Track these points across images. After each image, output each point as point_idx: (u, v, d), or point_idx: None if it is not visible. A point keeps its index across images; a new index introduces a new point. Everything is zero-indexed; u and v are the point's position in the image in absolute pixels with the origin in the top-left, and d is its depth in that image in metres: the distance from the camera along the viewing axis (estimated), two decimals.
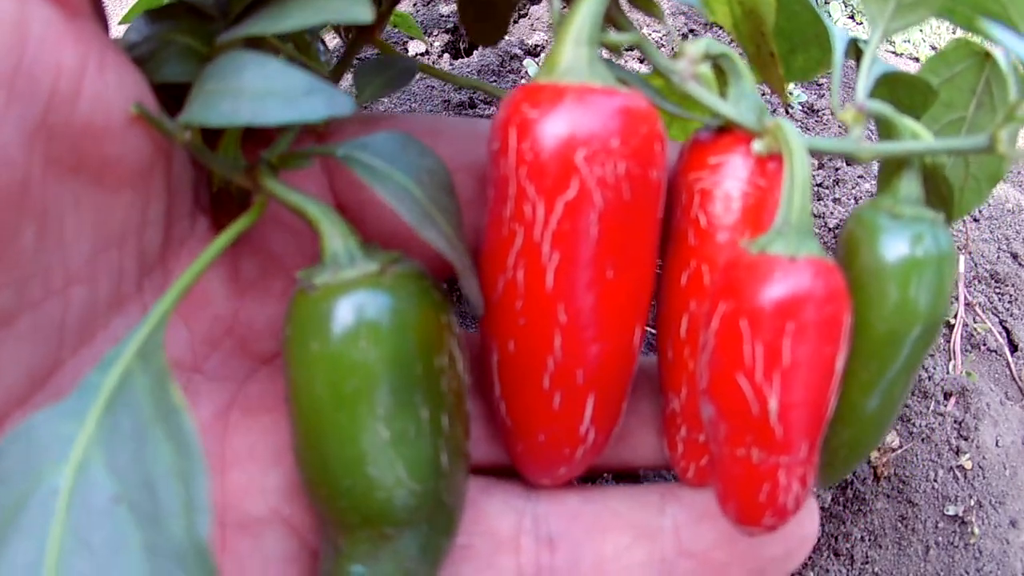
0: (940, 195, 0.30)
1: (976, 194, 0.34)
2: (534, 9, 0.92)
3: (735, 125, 0.29)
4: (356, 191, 0.31)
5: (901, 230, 0.29)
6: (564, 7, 0.28)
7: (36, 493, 0.19)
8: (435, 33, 0.86)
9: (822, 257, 0.26)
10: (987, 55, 0.32)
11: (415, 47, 0.83)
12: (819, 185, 0.82)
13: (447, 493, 0.28)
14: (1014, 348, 0.82)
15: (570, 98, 0.26)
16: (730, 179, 0.29)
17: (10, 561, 0.18)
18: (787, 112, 0.88)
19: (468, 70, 0.80)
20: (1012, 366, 0.79)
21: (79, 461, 0.20)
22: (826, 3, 1.24)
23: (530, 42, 0.85)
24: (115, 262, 0.26)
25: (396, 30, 0.79)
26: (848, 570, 0.64)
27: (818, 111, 0.90)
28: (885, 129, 0.30)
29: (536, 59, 0.83)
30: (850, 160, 0.28)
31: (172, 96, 0.27)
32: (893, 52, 1.31)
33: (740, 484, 0.28)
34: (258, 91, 0.22)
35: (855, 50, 0.31)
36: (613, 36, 0.28)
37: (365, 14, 0.22)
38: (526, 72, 0.81)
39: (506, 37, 0.85)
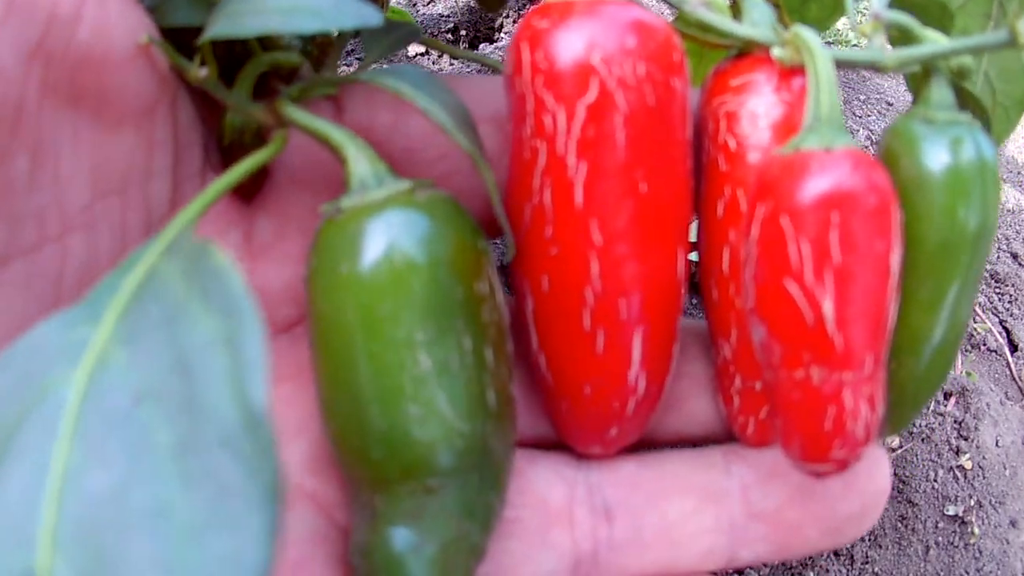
0: (973, 115, 0.29)
1: (1005, 122, 0.33)
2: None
3: (754, 47, 0.29)
4: (371, 136, 0.30)
5: (939, 135, 0.28)
6: None
7: (40, 407, 0.17)
8: (436, 33, 0.90)
9: (859, 149, 0.26)
10: None
11: (415, 47, 0.86)
12: None
13: (495, 437, 0.26)
14: (1014, 348, 0.83)
15: (580, 7, 0.26)
16: (755, 97, 0.29)
17: (4, 491, 0.15)
18: None
19: (468, 70, 0.83)
20: (1012, 366, 0.81)
21: (93, 365, 0.17)
22: None
23: None
24: (117, 212, 0.26)
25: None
26: (848, 570, 0.64)
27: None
28: (906, 41, 0.29)
29: None
30: (875, 69, 0.28)
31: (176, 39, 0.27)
32: None
33: (802, 413, 0.26)
34: (284, 7, 0.23)
35: None
36: None
37: None
38: None
39: (506, 38, 0.88)
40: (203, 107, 0.29)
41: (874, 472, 0.31)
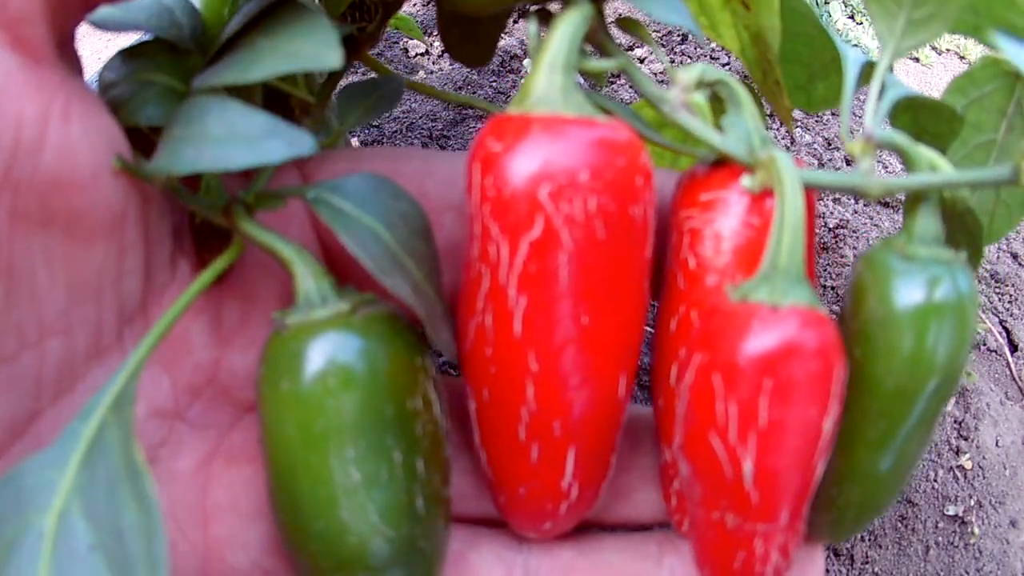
0: (966, 229, 0.28)
1: (1006, 221, 0.32)
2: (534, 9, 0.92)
3: (731, 158, 0.28)
4: None
5: (915, 274, 0.28)
6: (542, 31, 0.28)
7: (25, 535, 0.22)
8: (435, 33, 0.88)
9: (811, 306, 0.25)
10: (1018, 76, 0.30)
11: (415, 47, 0.84)
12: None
13: (424, 539, 0.29)
14: (1014, 348, 0.84)
15: (536, 129, 0.26)
16: (721, 217, 0.29)
17: None
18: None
19: (468, 70, 0.81)
20: (1012, 366, 0.82)
21: (60, 508, 0.23)
22: (826, 3, 1.18)
23: None
24: (92, 314, 0.27)
25: (396, 30, 0.81)
26: (848, 570, 0.67)
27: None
28: (906, 161, 0.28)
29: None
30: (858, 196, 0.27)
31: (145, 134, 0.28)
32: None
33: (714, 549, 0.28)
34: (220, 136, 0.24)
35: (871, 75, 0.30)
36: (596, 63, 0.28)
37: (335, 59, 0.23)
38: (525, 72, 0.81)
39: (506, 38, 0.85)
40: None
41: (807, 571, 0.33)
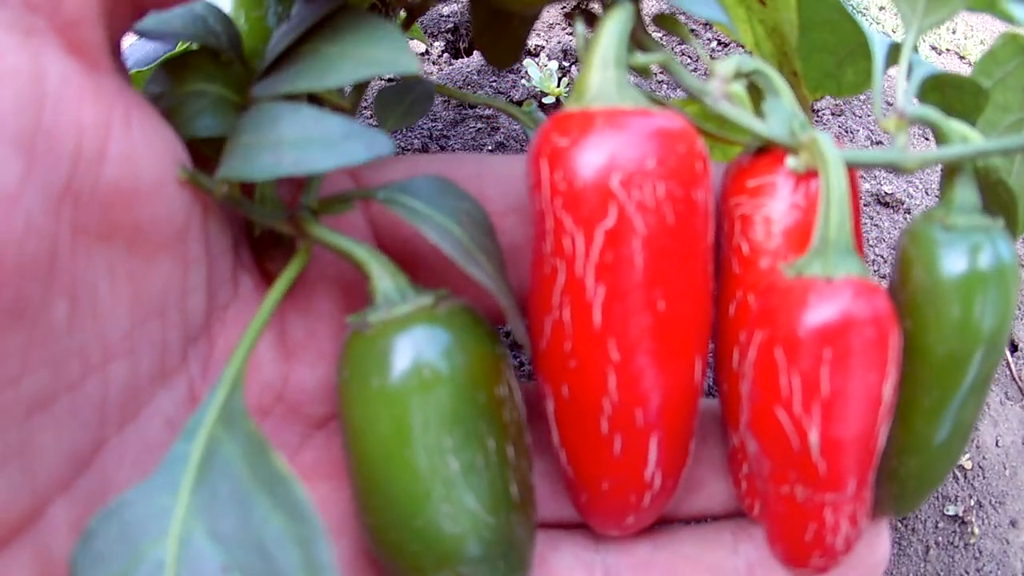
0: (1002, 204, 0.30)
1: None
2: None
3: (773, 144, 0.30)
4: (395, 236, 0.33)
5: (956, 242, 0.30)
6: (589, 31, 0.30)
7: (140, 567, 0.21)
8: (436, 33, 0.90)
9: (863, 276, 0.27)
10: None
11: (415, 47, 0.87)
12: None
13: (519, 526, 0.30)
14: (1014, 348, 0.86)
15: (600, 122, 0.28)
16: (769, 201, 0.31)
17: None
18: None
19: (469, 70, 0.83)
20: (1012, 366, 0.84)
21: (180, 532, 0.22)
22: None
23: (530, 43, 0.90)
24: (157, 334, 0.27)
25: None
26: None
27: (817, 111, 0.92)
28: (938, 137, 0.30)
29: (536, 59, 0.86)
30: (897, 170, 0.29)
31: (193, 145, 0.29)
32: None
33: (786, 523, 0.30)
34: (297, 140, 0.25)
35: (898, 57, 0.31)
36: (642, 57, 0.30)
37: (411, 64, 0.24)
38: (526, 72, 0.84)
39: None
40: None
41: (875, 545, 0.35)
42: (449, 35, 0.94)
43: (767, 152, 0.31)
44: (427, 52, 0.91)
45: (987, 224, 0.30)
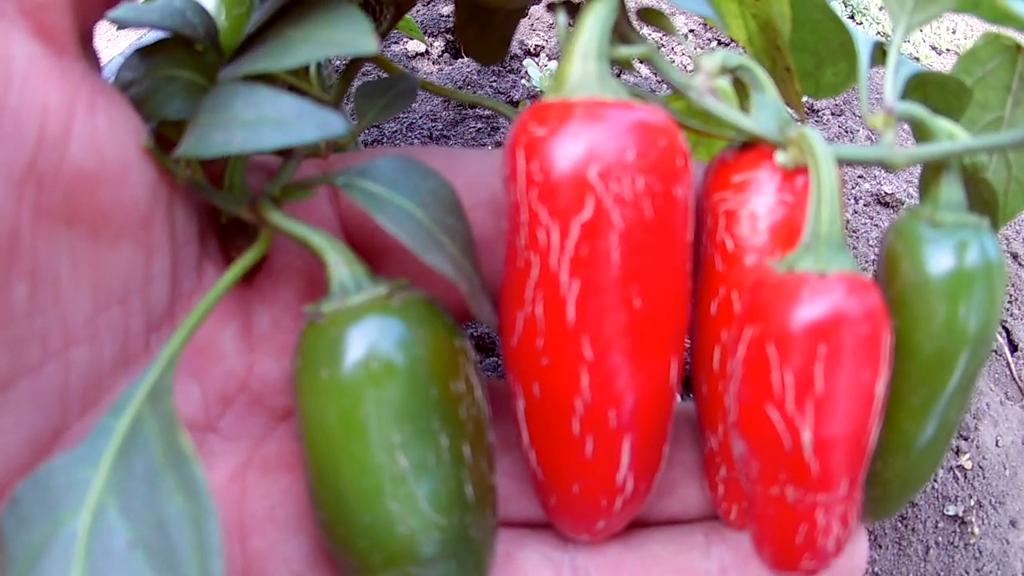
0: (984, 201, 0.30)
1: (1020, 197, 0.34)
2: (534, 9, 0.96)
3: (759, 140, 0.30)
4: (364, 220, 0.32)
5: (943, 239, 0.30)
6: (570, 22, 0.30)
7: (56, 537, 0.22)
8: (435, 33, 0.90)
9: (856, 272, 0.27)
10: (1019, 47, 0.33)
11: (415, 47, 0.87)
12: None
13: (475, 528, 0.29)
14: (1014, 348, 0.88)
15: (579, 112, 0.27)
16: (755, 197, 0.30)
17: None
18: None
19: (468, 70, 0.83)
20: (1012, 366, 0.86)
21: (95, 506, 0.22)
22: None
23: (530, 43, 0.89)
24: (119, 320, 0.27)
25: (396, 30, 0.83)
26: None
27: (817, 111, 0.94)
28: (921, 134, 0.30)
29: (536, 59, 0.86)
30: (885, 167, 0.29)
31: (161, 135, 0.28)
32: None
33: (775, 526, 0.29)
34: (250, 120, 0.24)
35: (882, 56, 0.32)
36: (624, 49, 0.30)
37: (370, 45, 0.23)
38: (526, 72, 0.84)
39: None
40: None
41: (851, 549, 0.34)
42: (449, 35, 0.93)
43: (752, 148, 0.30)
44: (427, 52, 0.90)
45: (974, 221, 0.30)
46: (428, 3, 0.97)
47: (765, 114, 0.30)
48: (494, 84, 0.83)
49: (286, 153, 0.32)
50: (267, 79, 0.30)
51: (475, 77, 0.83)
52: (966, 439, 0.79)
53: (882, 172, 0.93)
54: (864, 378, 0.27)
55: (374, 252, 0.33)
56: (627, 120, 0.27)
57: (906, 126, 0.32)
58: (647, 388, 0.29)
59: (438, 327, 0.28)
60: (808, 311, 0.27)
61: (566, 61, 0.29)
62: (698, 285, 0.32)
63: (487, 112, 0.78)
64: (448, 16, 0.95)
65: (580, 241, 0.27)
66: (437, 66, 0.86)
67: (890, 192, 0.88)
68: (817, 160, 0.28)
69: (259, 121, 0.24)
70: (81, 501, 0.22)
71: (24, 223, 0.23)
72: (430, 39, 0.92)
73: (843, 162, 0.30)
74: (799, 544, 0.29)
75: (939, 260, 0.29)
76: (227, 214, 0.31)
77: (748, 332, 0.28)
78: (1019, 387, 0.85)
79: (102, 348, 0.27)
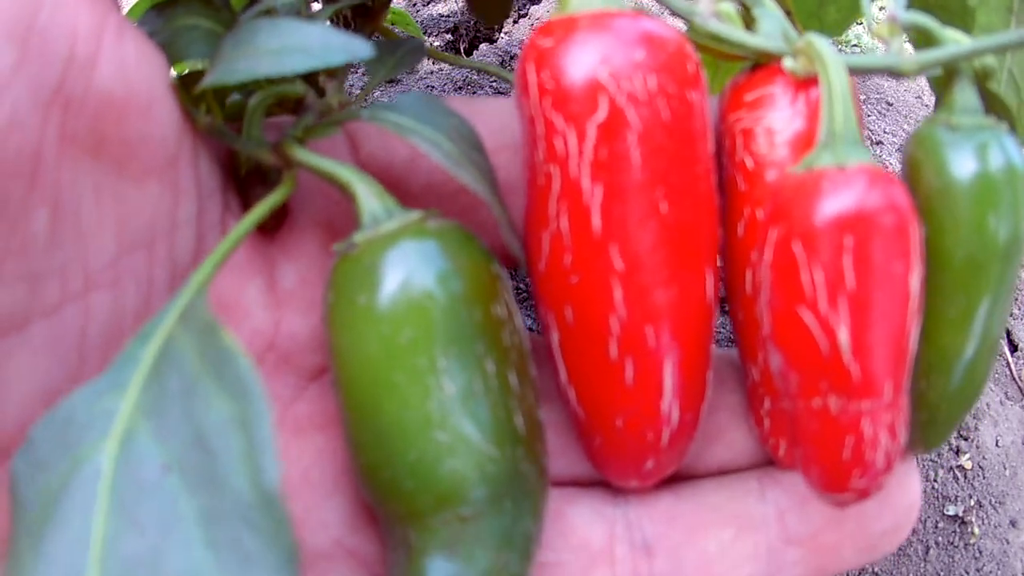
0: (995, 111, 0.30)
1: None
2: (534, 9, 0.99)
3: (767, 57, 0.30)
4: (386, 171, 0.32)
5: (964, 142, 0.29)
6: None
7: (77, 475, 0.19)
8: (435, 33, 0.93)
9: (876, 165, 0.27)
10: None
11: None
12: None
13: (527, 462, 0.27)
14: (1014, 348, 0.87)
15: (585, 21, 0.27)
16: (770, 112, 0.30)
17: (51, 555, 0.18)
18: None
19: (468, 71, 0.86)
20: (1012, 366, 0.85)
21: (122, 435, 0.20)
22: None
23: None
24: (143, 267, 0.26)
25: (395, 30, 0.86)
26: (848, 570, 0.70)
27: None
28: (927, 43, 0.30)
29: None
30: (894, 74, 0.29)
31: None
32: None
33: (820, 443, 0.28)
34: (274, 48, 0.25)
35: None
36: None
37: None
38: None
39: (505, 37, 0.90)
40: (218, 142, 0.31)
41: (906, 486, 0.32)
42: (449, 35, 0.97)
43: (762, 67, 0.30)
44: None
45: (992, 123, 0.29)
46: (428, 3, 1.01)
47: (770, 28, 0.31)
48: (494, 84, 0.85)
49: (300, 113, 0.32)
50: None
51: (475, 77, 0.85)
52: (966, 439, 0.78)
53: (887, 158, 0.93)
54: (896, 271, 0.26)
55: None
56: (634, 26, 0.27)
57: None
58: (684, 302, 0.28)
59: (475, 251, 0.27)
60: (831, 204, 0.26)
61: None
62: (724, 210, 0.31)
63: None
64: (448, 16, 0.98)
65: (598, 143, 0.26)
66: (437, 65, 0.88)
67: None
68: (825, 63, 0.28)
69: (284, 49, 0.24)
70: (106, 432, 0.20)
71: (48, 147, 0.22)
72: (430, 39, 0.95)
73: (852, 71, 0.30)
74: (847, 460, 0.27)
75: (961, 163, 0.29)
76: (247, 165, 0.31)
77: (772, 234, 0.27)
78: (1019, 387, 0.83)
79: (124, 296, 0.26)
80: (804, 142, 0.30)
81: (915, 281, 0.27)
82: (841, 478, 0.28)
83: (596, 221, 0.27)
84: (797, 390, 0.28)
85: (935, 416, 0.32)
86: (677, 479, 0.33)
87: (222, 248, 0.25)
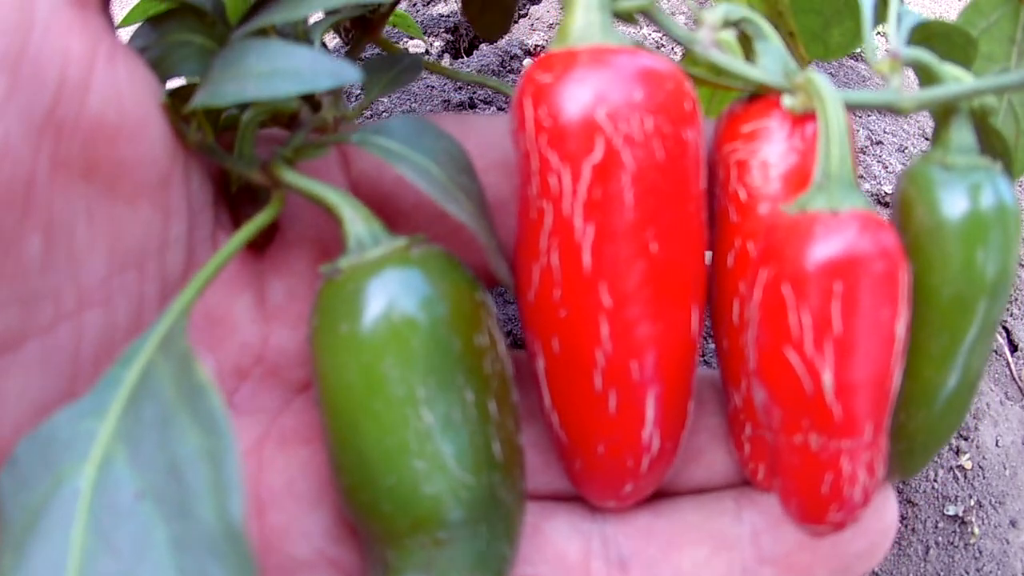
0: (995, 152, 0.30)
1: None
2: (534, 9, 0.98)
3: (766, 89, 0.30)
4: (376, 189, 0.32)
5: (956, 182, 0.29)
6: None
7: (57, 495, 0.20)
8: (435, 33, 0.92)
9: (869, 210, 0.27)
10: None
11: (414, 47, 0.88)
12: None
13: (503, 488, 0.28)
14: (1014, 348, 0.87)
15: (584, 58, 0.27)
16: (766, 145, 0.30)
17: (31, 570, 0.19)
18: None
19: (468, 70, 0.85)
20: (1012, 366, 0.86)
21: (100, 460, 0.21)
22: None
23: (530, 42, 0.90)
24: (134, 285, 0.27)
25: (396, 30, 0.84)
26: None
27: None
28: (927, 80, 0.30)
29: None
30: (893, 111, 0.29)
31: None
32: None
33: (800, 477, 0.29)
34: (264, 71, 0.24)
35: (887, 12, 0.32)
36: (624, 2, 0.30)
37: None
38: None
39: (506, 37, 0.89)
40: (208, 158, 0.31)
41: (882, 511, 0.33)
42: (448, 35, 0.95)
43: (760, 98, 0.30)
44: (427, 52, 0.91)
45: (987, 164, 0.29)
46: (428, 3, 0.99)
47: (770, 62, 0.30)
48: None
49: (294, 127, 0.32)
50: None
51: (475, 77, 0.84)
52: (966, 439, 0.78)
53: (882, 172, 0.93)
54: (883, 317, 0.27)
55: (386, 221, 0.33)
56: (633, 64, 0.27)
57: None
58: (669, 337, 0.28)
59: (458, 279, 0.27)
60: (822, 249, 0.26)
61: (569, 13, 0.29)
62: (714, 239, 0.32)
63: (489, 112, 0.79)
64: (448, 16, 0.97)
65: (592, 183, 0.26)
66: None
67: (890, 192, 0.89)
68: (824, 101, 0.28)
69: (273, 72, 0.24)
70: (85, 455, 0.21)
71: (41, 172, 0.22)
72: (430, 39, 0.94)
73: (850, 107, 0.30)
74: (825, 495, 0.28)
75: (953, 203, 0.29)
76: (238, 182, 0.31)
77: (763, 274, 0.27)
78: (1019, 387, 0.84)
79: (116, 313, 0.26)
80: (798, 177, 0.30)
81: (901, 326, 0.27)
82: (819, 511, 0.29)
83: (587, 259, 0.27)
84: (779, 425, 0.28)
85: (913, 446, 0.32)
86: (655, 496, 0.33)
87: (206, 271, 0.25)
